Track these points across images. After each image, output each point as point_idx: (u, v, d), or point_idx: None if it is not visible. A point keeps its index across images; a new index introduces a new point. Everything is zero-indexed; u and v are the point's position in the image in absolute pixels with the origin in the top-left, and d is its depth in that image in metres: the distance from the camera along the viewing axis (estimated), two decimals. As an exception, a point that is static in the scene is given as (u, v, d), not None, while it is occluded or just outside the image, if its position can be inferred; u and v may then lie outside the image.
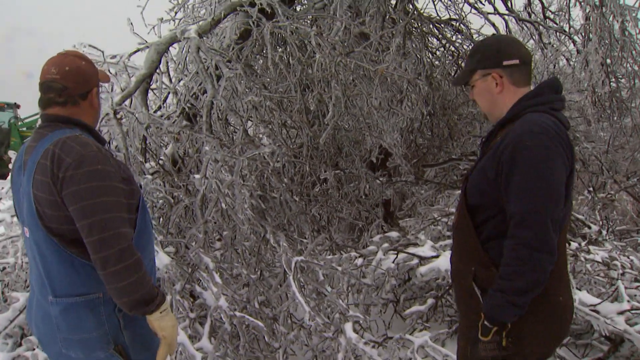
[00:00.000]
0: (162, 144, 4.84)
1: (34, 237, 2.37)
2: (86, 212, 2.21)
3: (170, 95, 5.20)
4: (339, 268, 4.07)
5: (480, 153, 2.50)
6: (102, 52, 4.25)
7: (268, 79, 5.27)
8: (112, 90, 4.57)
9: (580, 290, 4.22)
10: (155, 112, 5.36)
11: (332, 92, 4.74)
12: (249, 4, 4.95)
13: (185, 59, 4.50)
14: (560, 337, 2.45)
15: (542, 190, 2.12)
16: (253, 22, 4.85)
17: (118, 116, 4.01)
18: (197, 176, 3.82)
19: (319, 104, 5.17)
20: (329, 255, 5.16)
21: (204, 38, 4.76)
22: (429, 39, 6.92)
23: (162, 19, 5.19)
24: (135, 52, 4.60)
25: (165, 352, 2.40)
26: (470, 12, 6.94)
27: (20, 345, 3.76)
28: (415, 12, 6.12)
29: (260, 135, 4.71)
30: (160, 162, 4.81)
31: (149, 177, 3.77)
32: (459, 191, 2.81)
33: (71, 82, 2.40)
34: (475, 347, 2.26)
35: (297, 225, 4.50)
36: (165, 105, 5.41)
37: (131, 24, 4.81)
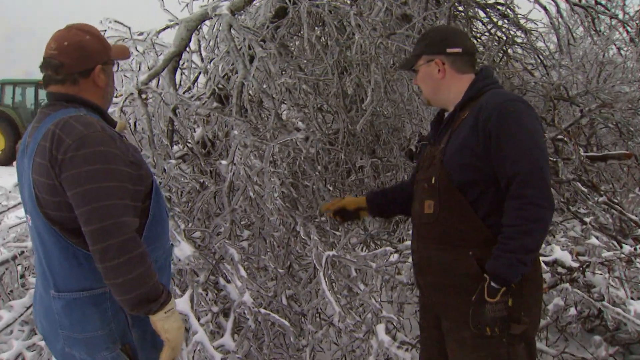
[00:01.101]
0: (190, 127, 4.62)
1: (35, 225, 2.18)
2: (85, 197, 2.00)
3: (201, 76, 4.97)
4: (373, 264, 3.80)
5: (436, 137, 2.56)
6: (129, 28, 4.02)
7: (304, 61, 4.98)
8: (139, 69, 4.35)
9: (635, 300, 3.87)
10: (184, 92, 5.15)
11: (372, 76, 4.43)
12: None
13: (216, 37, 4.24)
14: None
15: (537, 149, 2.24)
16: (289, 0, 4.57)
17: (143, 96, 3.78)
18: (224, 162, 3.58)
19: (357, 88, 4.87)
20: (363, 248, 4.89)
21: (237, 16, 4.51)
22: (474, 23, 6.53)
23: (194, -5, 4.94)
24: (165, 29, 4.37)
25: (168, 356, 2.17)
26: (519, -5, 6.52)
27: (36, 333, 3.59)
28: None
29: (294, 120, 4.43)
30: (189, 145, 4.60)
31: (173, 161, 3.54)
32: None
33: (69, 59, 2.18)
34: (480, 311, 2.25)
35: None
36: (195, 85, 5.18)
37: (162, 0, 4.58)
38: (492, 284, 2.22)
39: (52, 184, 2.06)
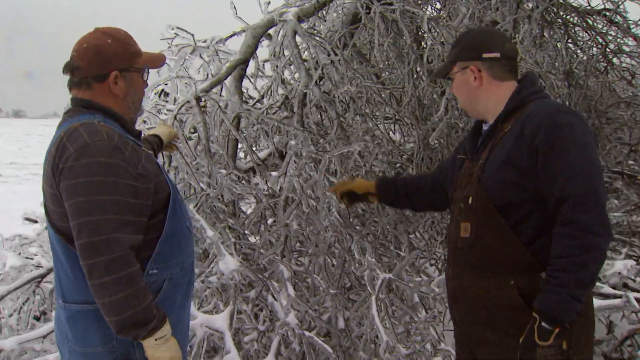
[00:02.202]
0: (256, 136, 4.50)
1: (49, 233, 2.12)
2: (78, 210, 1.89)
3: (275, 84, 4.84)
4: (437, 289, 3.47)
5: (475, 151, 2.29)
6: (192, 35, 3.95)
7: (378, 68, 4.73)
8: (206, 76, 4.28)
9: None
10: (257, 101, 5.06)
11: (446, 86, 4.11)
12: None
13: (282, 44, 4.10)
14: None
15: (592, 169, 1.98)
16: (362, 5, 4.35)
17: (201, 104, 3.69)
18: (274, 173, 3.40)
19: (433, 98, 4.55)
20: (434, 269, 4.55)
21: (305, 23, 4.35)
22: (575, 30, 6.00)
23: (269, 2, 4.83)
24: (231, 36, 4.27)
25: None
26: (627, -1, 5.93)
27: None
28: (557, -2, 5.27)
29: (362, 131, 4.18)
30: (254, 156, 4.47)
31: (223, 171, 3.40)
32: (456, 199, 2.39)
33: (84, 62, 2.08)
34: (531, 356, 1.96)
35: (393, 235, 3.94)
36: (268, 94, 5.07)
37: (234, 7, 4.50)
38: (544, 324, 1.94)
39: (54, 193, 1.98)
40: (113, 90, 2.13)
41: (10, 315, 3.70)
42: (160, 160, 3.71)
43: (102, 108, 2.12)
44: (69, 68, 2.11)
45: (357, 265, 3.59)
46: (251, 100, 4.93)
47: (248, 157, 4.82)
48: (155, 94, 3.79)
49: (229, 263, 3.19)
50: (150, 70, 2.37)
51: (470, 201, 2.22)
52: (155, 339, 1.94)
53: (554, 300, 1.93)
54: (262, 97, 5.04)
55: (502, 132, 2.17)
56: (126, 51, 2.16)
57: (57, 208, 1.98)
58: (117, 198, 1.92)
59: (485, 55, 2.23)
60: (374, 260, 3.32)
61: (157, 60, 2.35)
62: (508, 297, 2.08)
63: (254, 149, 5.09)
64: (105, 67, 2.10)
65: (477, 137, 2.34)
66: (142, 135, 2.95)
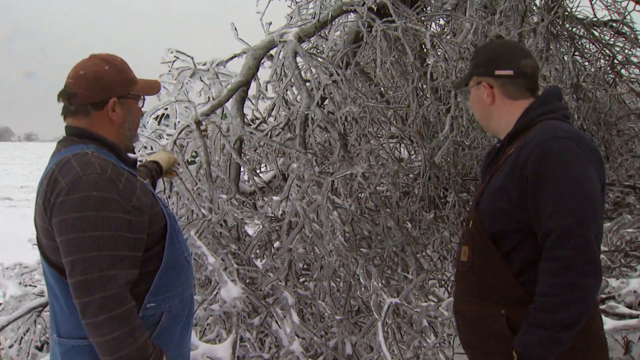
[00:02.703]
0: (258, 159, 4.44)
1: (43, 267, 2.06)
2: (71, 247, 1.82)
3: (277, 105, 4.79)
4: (446, 313, 3.36)
5: (483, 175, 2.24)
6: (192, 57, 3.91)
7: (382, 87, 4.67)
8: (208, 99, 4.23)
9: None
10: (259, 124, 5.00)
11: (451, 102, 4.04)
12: (362, 4, 4.40)
13: (283, 65, 4.05)
14: None
15: (581, 200, 1.82)
16: (363, 24, 4.30)
17: (202, 128, 3.63)
18: (276, 198, 3.32)
19: (438, 116, 4.48)
20: (443, 291, 4.44)
21: (307, 42, 4.30)
22: (581, 42, 5.92)
23: (270, 22, 4.80)
24: (232, 58, 4.23)
25: None
26: (634, 9, 5.85)
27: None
28: (560, 11, 5.20)
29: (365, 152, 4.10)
30: (257, 179, 4.41)
31: (224, 196, 3.33)
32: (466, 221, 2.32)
33: (82, 89, 2.03)
34: None
35: (401, 258, 3.84)
36: (273, 115, 5.02)
37: (235, 29, 4.46)
38: None
39: (46, 227, 1.92)
40: (111, 117, 2.08)
41: (11, 347, 3.64)
42: (160, 186, 3.66)
43: (96, 137, 2.06)
44: (65, 96, 2.05)
45: (363, 289, 3.49)
46: (254, 122, 4.86)
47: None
48: (154, 119, 3.73)
49: (231, 290, 3.11)
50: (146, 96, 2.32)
51: (470, 225, 2.16)
52: None
53: (532, 342, 1.83)
54: (265, 119, 4.98)
55: (506, 156, 2.07)
56: (124, 78, 2.12)
57: (49, 242, 1.92)
58: (110, 233, 1.85)
59: (497, 72, 2.13)
60: (379, 284, 3.23)
61: (153, 88, 2.31)
62: (499, 326, 1.99)
63: (257, 171, 5.04)
64: (104, 94, 2.06)
65: (490, 157, 2.25)
66: (139, 162, 2.90)
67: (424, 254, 4.47)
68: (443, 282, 4.61)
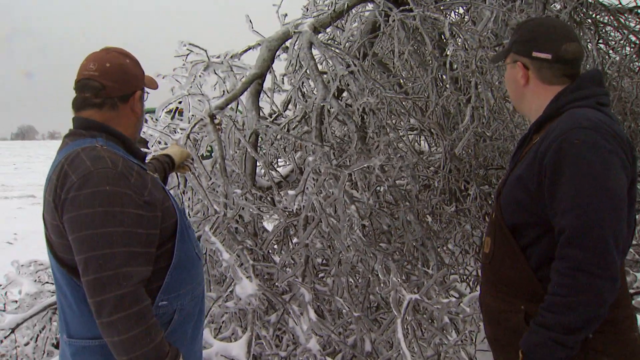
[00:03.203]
0: (276, 154, 4.36)
1: (52, 266, 2.00)
2: (83, 244, 1.76)
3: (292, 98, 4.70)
4: (467, 309, 3.26)
5: (511, 163, 2.10)
6: (205, 51, 3.83)
7: (400, 77, 4.56)
8: (222, 93, 4.15)
9: None
10: (276, 117, 4.92)
11: (472, 93, 3.92)
12: (379, -7, 4.28)
13: (298, 56, 3.96)
14: None
15: (598, 196, 1.69)
16: (380, 13, 4.19)
17: (216, 121, 3.56)
18: (291, 192, 3.24)
19: (459, 106, 4.36)
20: (465, 286, 4.33)
21: (324, 35, 4.21)
22: (605, 30, 5.75)
23: (286, 14, 4.70)
24: (246, 50, 4.14)
25: None
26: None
27: None
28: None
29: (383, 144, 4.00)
30: (274, 174, 4.33)
31: (238, 191, 3.26)
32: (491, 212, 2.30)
33: (111, 81, 2.00)
34: None
35: (421, 253, 3.74)
36: (287, 108, 4.93)
37: (250, 21, 4.37)
38: None
39: (56, 224, 1.87)
40: (134, 109, 2.09)
41: (27, 344, 3.61)
42: (174, 181, 3.59)
43: (105, 129, 2.02)
44: (92, 89, 2.01)
45: (382, 285, 3.40)
46: (271, 116, 4.79)
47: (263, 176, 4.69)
48: (167, 113, 3.67)
49: (246, 287, 3.03)
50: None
51: (494, 216, 2.08)
52: None
53: (535, 342, 1.74)
54: (282, 112, 4.89)
55: (531, 144, 1.96)
56: (140, 71, 2.14)
57: (59, 240, 1.87)
58: (124, 229, 1.80)
59: (534, 54, 1.99)
60: (399, 280, 3.14)
61: (154, 84, 2.31)
62: (517, 321, 1.91)
63: (275, 165, 4.96)
64: (130, 86, 2.07)
65: (519, 145, 2.13)
66: (149, 156, 2.85)
67: (445, 248, 4.36)
68: (465, 277, 4.50)
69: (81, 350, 1.93)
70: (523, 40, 2.04)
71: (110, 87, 2.00)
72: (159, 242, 1.98)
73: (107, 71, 2.01)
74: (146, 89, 2.22)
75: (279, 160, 5.17)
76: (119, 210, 1.80)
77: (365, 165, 3.23)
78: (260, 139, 4.11)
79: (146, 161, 2.72)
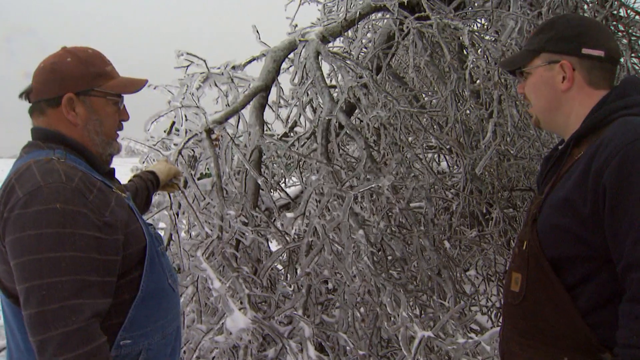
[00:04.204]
0: (282, 172, 4.06)
1: None
2: (25, 271, 1.48)
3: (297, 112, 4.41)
4: (488, 347, 2.89)
5: (540, 185, 1.75)
6: (204, 60, 3.55)
7: (417, 91, 4.24)
8: (227, 106, 3.87)
9: None
10: (289, 131, 4.63)
11: (494, 107, 3.58)
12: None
13: (305, 67, 3.67)
14: None
15: None
16: (394, 21, 3.89)
17: (213, 136, 3.27)
18: (290, 214, 2.92)
19: (480, 122, 4.01)
20: (486, 319, 3.95)
21: (336, 47, 3.92)
22: (639, 43, 5.36)
23: (296, 25, 4.43)
24: (250, 61, 3.86)
25: None
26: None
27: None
28: (617, 3, 4.68)
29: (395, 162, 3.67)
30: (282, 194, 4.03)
31: (232, 212, 2.95)
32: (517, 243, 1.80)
33: (37, 83, 1.74)
34: None
35: (437, 283, 3.38)
36: (300, 123, 4.63)
37: (257, 31, 4.11)
38: None
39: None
40: (67, 116, 1.75)
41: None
42: (167, 201, 3.30)
43: (64, 140, 1.75)
44: (25, 94, 1.77)
45: (392, 320, 3.05)
46: (276, 131, 4.50)
47: (276, 193, 4.39)
48: (164, 131, 3.39)
49: (237, 320, 2.71)
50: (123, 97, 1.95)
51: (524, 246, 1.68)
52: None
53: None
54: (292, 128, 4.60)
55: (572, 160, 1.61)
56: (86, 71, 1.78)
57: (3, 266, 1.58)
58: (75, 254, 1.51)
59: (585, 50, 1.65)
60: (408, 315, 2.79)
61: (131, 86, 1.91)
62: None
63: (283, 185, 4.66)
64: (58, 88, 1.74)
65: (551, 162, 1.77)
66: (131, 174, 2.57)
67: (465, 275, 3.99)
68: (487, 309, 4.11)
69: None
70: (566, 37, 1.69)
71: (35, 89, 1.75)
72: (122, 271, 1.68)
73: (38, 71, 1.77)
74: (126, 95, 1.91)
75: (291, 179, 4.88)
76: (69, 232, 1.51)
77: (374, 185, 2.89)
78: (263, 156, 3.80)
79: (126, 178, 2.46)
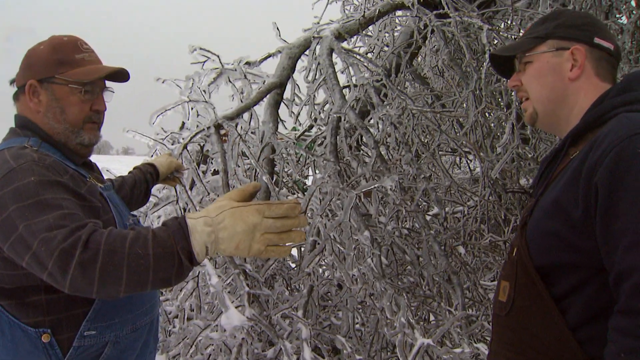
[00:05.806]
0: (296, 170, 4.00)
1: None
2: (21, 243, 1.43)
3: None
4: None
5: (538, 185, 1.62)
6: (218, 56, 3.53)
7: (437, 91, 4.13)
8: (242, 101, 3.85)
9: None
10: (307, 130, 4.59)
11: (513, 108, 3.45)
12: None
13: (319, 64, 3.60)
14: None
15: None
16: (415, 20, 3.80)
17: (222, 132, 3.24)
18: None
19: (499, 124, 3.89)
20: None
21: (349, 40, 3.85)
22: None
23: (318, 21, 4.37)
24: (266, 58, 3.83)
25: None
26: None
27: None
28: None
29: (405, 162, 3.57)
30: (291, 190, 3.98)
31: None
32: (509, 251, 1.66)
33: (19, 71, 1.79)
34: None
35: (445, 290, 3.27)
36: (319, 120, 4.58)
37: (277, 28, 4.08)
38: None
39: None
40: (29, 103, 1.75)
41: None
42: (172, 194, 3.29)
43: (37, 129, 1.75)
44: (12, 79, 1.83)
45: (395, 324, 2.96)
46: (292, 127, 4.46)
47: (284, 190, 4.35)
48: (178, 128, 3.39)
49: (232, 318, 2.66)
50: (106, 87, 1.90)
51: (514, 253, 1.56)
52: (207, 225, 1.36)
53: None
54: (312, 126, 4.55)
55: (567, 160, 1.50)
56: (50, 58, 1.75)
57: None
58: (61, 212, 1.45)
59: (597, 40, 1.57)
60: (407, 319, 2.70)
61: (94, 73, 1.79)
62: None
63: (300, 183, 4.61)
64: (26, 74, 1.76)
65: (545, 163, 1.65)
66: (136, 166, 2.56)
67: (479, 282, 3.86)
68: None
69: None
70: (576, 25, 1.59)
71: (16, 77, 1.80)
72: None
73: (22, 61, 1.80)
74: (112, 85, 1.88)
75: (307, 178, 4.82)
76: (49, 197, 1.48)
77: (377, 185, 2.81)
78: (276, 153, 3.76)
79: (127, 171, 2.44)
